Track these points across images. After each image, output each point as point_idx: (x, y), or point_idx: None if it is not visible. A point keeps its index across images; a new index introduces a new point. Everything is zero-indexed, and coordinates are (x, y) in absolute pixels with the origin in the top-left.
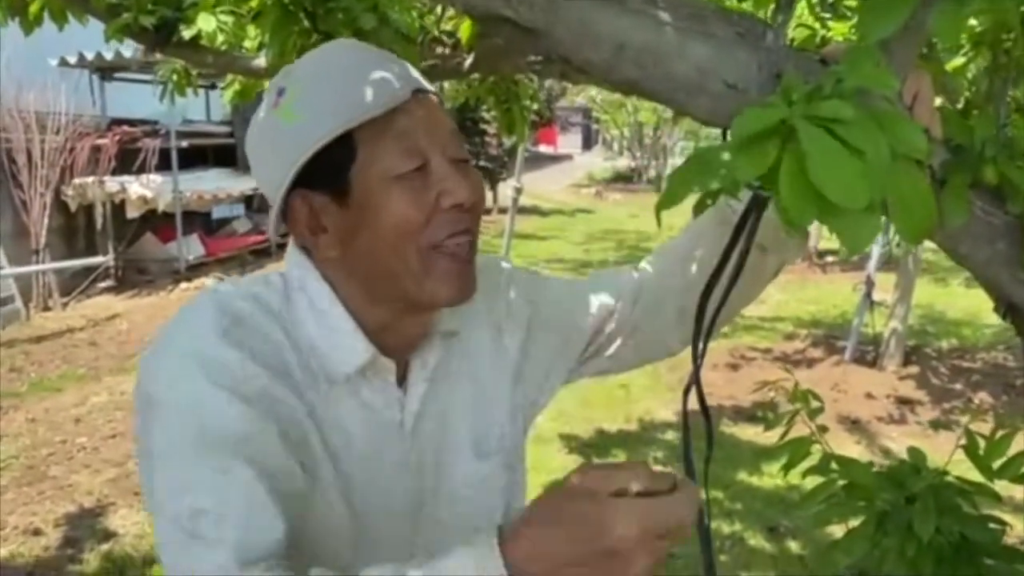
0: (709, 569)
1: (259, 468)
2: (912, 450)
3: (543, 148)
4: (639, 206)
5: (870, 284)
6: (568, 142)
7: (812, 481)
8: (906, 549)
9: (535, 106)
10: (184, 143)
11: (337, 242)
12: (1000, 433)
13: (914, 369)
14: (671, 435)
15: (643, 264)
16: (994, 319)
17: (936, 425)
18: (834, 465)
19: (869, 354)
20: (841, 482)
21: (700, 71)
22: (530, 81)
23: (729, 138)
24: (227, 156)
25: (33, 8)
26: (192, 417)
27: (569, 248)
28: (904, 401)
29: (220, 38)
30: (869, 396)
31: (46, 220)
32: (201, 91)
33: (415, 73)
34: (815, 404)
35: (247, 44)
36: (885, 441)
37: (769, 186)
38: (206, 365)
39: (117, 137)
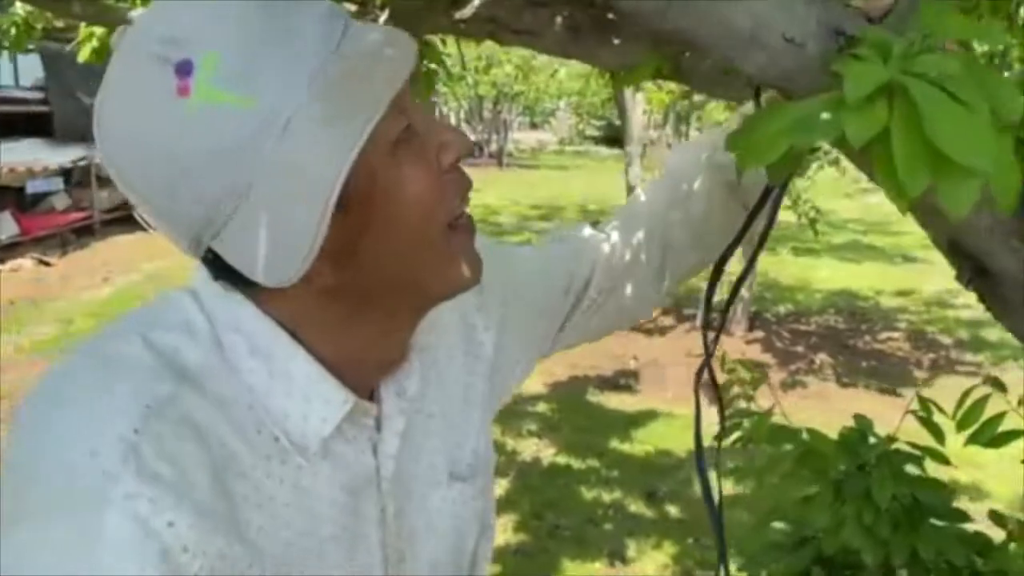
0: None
1: None
2: (859, 417)
3: None
4: (482, 180)
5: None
6: None
7: (679, 446)
8: (864, 516)
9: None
10: None
11: (328, 264)
12: (971, 400)
13: (759, 334)
14: (542, 407)
15: (614, 224)
16: (823, 285)
17: (785, 386)
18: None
19: (716, 321)
20: (786, 447)
21: (757, 22)
22: (443, 43)
23: (764, 98)
24: (41, 125)
25: None
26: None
27: None
28: (754, 364)
29: None
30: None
31: None
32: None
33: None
34: (752, 374)
35: None
36: (740, 402)
37: (875, 149)
38: (110, 529)
39: None
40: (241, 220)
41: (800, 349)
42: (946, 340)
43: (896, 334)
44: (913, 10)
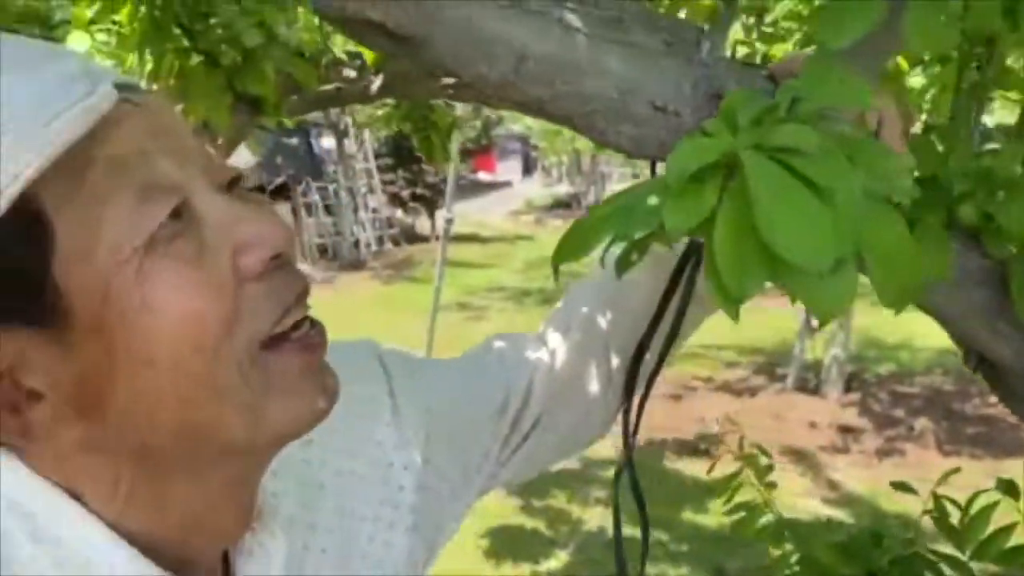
0: None
1: None
2: (881, 517)
3: (482, 175)
4: None
5: (809, 310)
6: (507, 168)
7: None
8: None
9: (456, 134)
10: None
11: (71, 412)
12: (977, 506)
13: (855, 396)
14: (612, 473)
15: (551, 331)
16: (931, 342)
17: (880, 453)
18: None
19: (811, 382)
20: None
21: (621, 90)
22: (449, 107)
23: (659, 172)
24: None
25: None
26: None
27: (509, 276)
28: (847, 429)
29: (97, 59)
30: (812, 425)
31: None
32: None
33: (106, 69)
34: (763, 461)
35: (129, 64)
36: (830, 472)
37: (705, 241)
38: None
39: None
40: None
41: (900, 413)
42: None
43: None
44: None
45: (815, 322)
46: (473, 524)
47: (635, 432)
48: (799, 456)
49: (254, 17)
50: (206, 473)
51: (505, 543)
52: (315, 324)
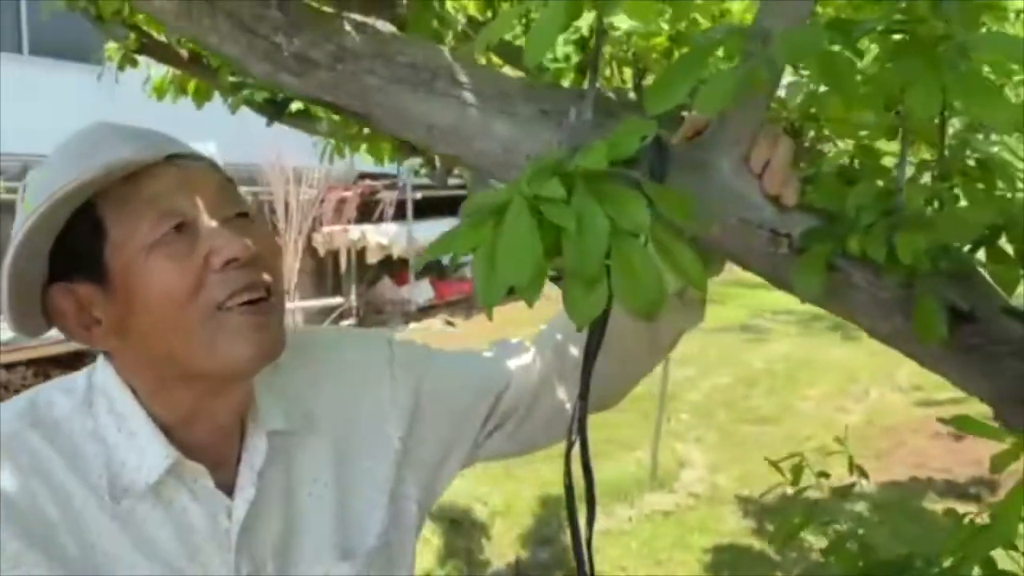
0: None
1: None
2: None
3: None
4: None
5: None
6: None
7: None
8: None
9: None
10: (418, 195)
11: (112, 333)
12: None
13: None
14: (861, 506)
15: (537, 338)
16: None
17: None
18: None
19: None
20: None
21: (505, 148)
22: None
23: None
24: (459, 206)
25: (190, 87)
26: None
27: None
28: None
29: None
30: None
31: (297, 264)
32: None
33: (175, 143)
34: None
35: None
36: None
37: None
38: None
39: (360, 190)
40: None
41: None
42: None
43: None
44: (719, 132)
45: None
46: (701, 538)
47: (583, 419)
48: None
49: None
50: (191, 384)
51: (727, 560)
52: (267, 302)
